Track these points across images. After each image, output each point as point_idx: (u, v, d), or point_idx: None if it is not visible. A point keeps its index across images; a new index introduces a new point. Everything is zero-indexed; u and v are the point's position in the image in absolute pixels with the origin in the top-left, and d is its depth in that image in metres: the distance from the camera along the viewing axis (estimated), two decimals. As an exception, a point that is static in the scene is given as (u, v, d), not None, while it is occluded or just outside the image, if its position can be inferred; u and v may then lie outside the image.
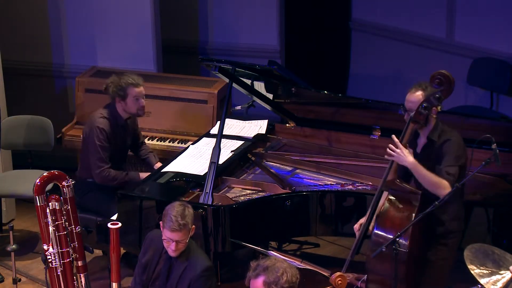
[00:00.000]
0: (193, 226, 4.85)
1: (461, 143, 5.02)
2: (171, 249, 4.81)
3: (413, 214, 4.90)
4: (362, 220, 5.15)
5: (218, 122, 6.00)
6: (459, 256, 4.71)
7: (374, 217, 5.04)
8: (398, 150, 4.91)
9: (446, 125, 5.08)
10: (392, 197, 5.04)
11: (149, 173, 6.14)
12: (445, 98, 4.99)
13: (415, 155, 5.05)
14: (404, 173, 5.15)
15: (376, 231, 4.98)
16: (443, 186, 4.85)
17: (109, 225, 4.81)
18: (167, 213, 4.80)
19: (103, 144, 6.16)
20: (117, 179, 6.18)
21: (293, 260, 5.02)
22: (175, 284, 4.86)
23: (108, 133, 6.17)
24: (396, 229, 4.89)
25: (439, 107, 4.94)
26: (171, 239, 4.78)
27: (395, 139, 4.95)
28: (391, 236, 4.86)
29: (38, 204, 4.79)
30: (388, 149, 4.95)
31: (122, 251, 6.39)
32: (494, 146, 4.83)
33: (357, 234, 5.11)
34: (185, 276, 4.83)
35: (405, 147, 4.96)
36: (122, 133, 6.32)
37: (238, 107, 6.85)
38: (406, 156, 4.91)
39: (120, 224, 4.82)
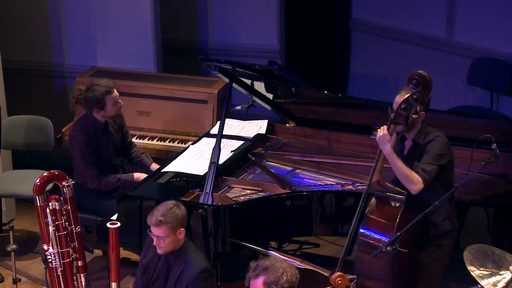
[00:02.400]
0: (181, 229, 4.81)
1: (445, 143, 5.02)
2: (156, 244, 4.83)
3: (399, 214, 4.92)
4: None
5: (218, 122, 6.00)
6: (458, 257, 4.71)
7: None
8: (383, 133, 4.94)
9: (432, 127, 5.09)
10: (377, 198, 5.06)
11: (146, 175, 6.15)
12: (424, 98, 4.98)
13: (402, 157, 5.06)
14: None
15: (361, 231, 5.01)
16: (415, 181, 4.87)
17: (108, 225, 4.81)
18: (155, 207, 4.83)
19: (86, 155, 6.15)
20: (110, 184, 6.18)
21: (293, 260, 5.03)
22: (173, 286, 4.86)
23: (88, 143, 6.16)
24: (381, 229, 4.92)
25: (418, 108, 4.94)
26: (153, 234, 4.80)
27: (384, 126, 4.98)
28: (376, 236, 4.90)
29: (38, 204, 4.79)
30: (378, 130, 4.99)
31: (122, 251, 6.40)
32: (494, 146, 4.83)
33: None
34: (183, 277, 4.83)
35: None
36: (105, 134, 6.29)
37: (238, 107, 6.85)
38: (386, 141, 4.93)
39: (119, 224, 4.82)
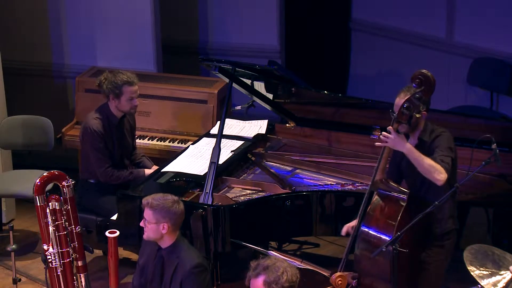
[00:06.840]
0: (165, 223, 4.81)
1: (451, 137, 5.02)
2: (141, 225, 4.90)
3: (400, 213, 4.92)
4: (351, 224, 5.20)
5: (218, 122, 6.00)
6: (458, 257, 4.71)
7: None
8: (392, 135, 4.91)
9: (435, 125, 5.09)
10: (379, 196, 5.06)
11: (154, 170, 6.16)
12: (427, 98, 4.97)
13: (407, 157, 5.06)
14: (397, 174, 5.17)
15: (363, 229, 5.01)
16: (439, 170, 4.82)
17: (107, 233, 4.82)
18: None
19: (98, 145, 6.16)
20: (121, 178, 6.20)
21: (293, 260, 5.03)
22: (168, 284, 4.87)
23: (101, 134, 6.17)
24: (382, 227, 4.93)
25: (421, 107, 4.93)
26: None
27: (389, 127, 4.95)
28: (377, 234, 4.92)
29: (38, 204, 4.80)
30: (381, 136, 4.95)
31: (122, 251, 6.40)
32: (494, 146, 4.83)
33: (347, 234, 5.16)
34: (177, 274, 4.84)
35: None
36: (118, 133, 6.30)
37: (238, 107, 6.85)
38: (401, 140, 4.91)
39: (118, 233, 4.84)
